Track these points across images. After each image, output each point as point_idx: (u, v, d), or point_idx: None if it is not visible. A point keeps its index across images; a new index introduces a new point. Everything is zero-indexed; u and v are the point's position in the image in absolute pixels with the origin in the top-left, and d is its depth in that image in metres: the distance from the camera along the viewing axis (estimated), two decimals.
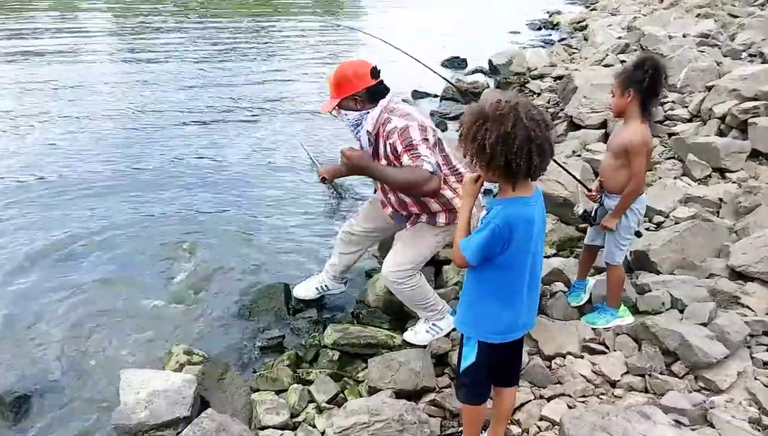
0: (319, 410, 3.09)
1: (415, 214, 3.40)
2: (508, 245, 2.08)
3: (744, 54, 8.57)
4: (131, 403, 2.98)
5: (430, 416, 2.91)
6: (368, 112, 3.18)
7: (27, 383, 3.40)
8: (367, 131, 3.22)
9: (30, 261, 4.59)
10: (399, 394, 3.04)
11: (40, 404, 3.29)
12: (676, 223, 4.58)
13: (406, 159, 3.01)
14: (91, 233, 5.02)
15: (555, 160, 4.52)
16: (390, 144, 3.10)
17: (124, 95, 9.12)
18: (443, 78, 4.69)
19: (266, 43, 14.03)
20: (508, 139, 1.93)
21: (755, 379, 2.92)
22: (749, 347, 3.15)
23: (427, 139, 3.04)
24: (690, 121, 6.77)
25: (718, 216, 4.74)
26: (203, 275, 4.47)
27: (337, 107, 3.24)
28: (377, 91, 3.18)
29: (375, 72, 3.20)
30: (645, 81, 3.06)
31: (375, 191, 3.82)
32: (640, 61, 3.12)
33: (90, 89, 9.32)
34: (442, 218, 3.34)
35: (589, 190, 3.57)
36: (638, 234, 3.56)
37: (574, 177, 3.96)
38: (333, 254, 4.00)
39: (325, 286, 4.08)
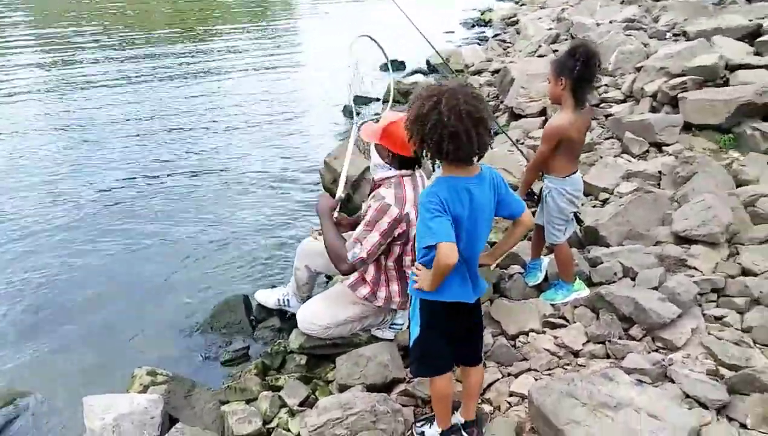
0: (292, 414, 3.07)
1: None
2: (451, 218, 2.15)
3: (668, 34, 8.90)
4: (97, 429, 2.90)
5: (402, 405, 2.93)
6: (389, 169, 3.17)
7: None
8: (373, 179, 3.30)
9: None
10: (370, 388, 3.04)
11: None
12: (620, 198, 4.74)
13: (358, 229, 3.12)
14: (44, 259, 4.92)
15: (506, 135, 4.66)
16: (369, 204, 3.16)
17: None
18: (435, 49, 4.79)
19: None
20: (423, 121, 2.09)
21: (708, 334, 3.04)
22: (700, 305, 3.29)
23: (387, 232, 3.05)
24: (624, 101, 7.00)
25: (659, 188, 4.92)
26: (158, 293, 4.40)
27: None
28: (407, 163, 3.15)
29: None
30: (576, 69, 3.11)
31: None
32: (573, 49, 3.17)
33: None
34: (363, 290, 3.34)
35: None
36: (579, 221, 3.67)
37: (521, 152, 4.06)
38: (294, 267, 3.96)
39: (287, 301, 4.05)
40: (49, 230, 5.42)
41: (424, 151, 2.17)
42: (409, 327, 2.48)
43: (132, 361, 3.65)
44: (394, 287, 3.32)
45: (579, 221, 3.69)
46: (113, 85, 10.59)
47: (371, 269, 3.32)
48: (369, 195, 3.28)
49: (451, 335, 2.43)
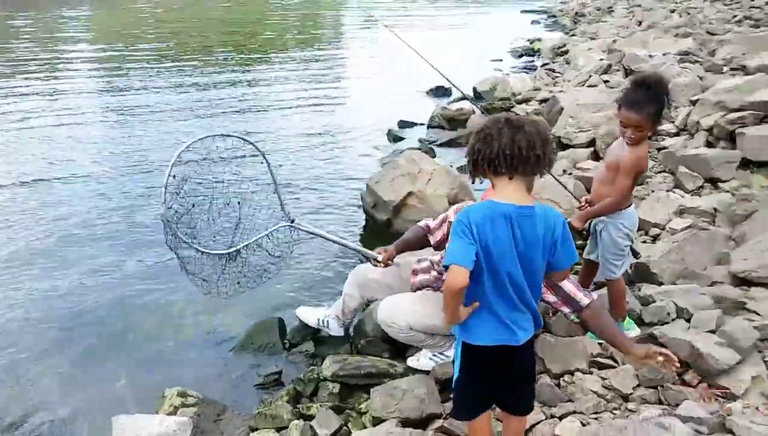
0: None
1: None
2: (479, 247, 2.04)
3: (725, 68, 8.65)
4: None
5: None
6: None
7: (11, 433, 3.26)
8: None
9: (14, 301, 4.50)
10: (405, 423, 2.92)
11: None
12: (672, 234, 4.54)
13: None
14: (76, 274, 4.91)
15: (548, 172, 4.52)
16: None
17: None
18: (460, 90, 4.71)
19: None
20: (480, 132, 2.12)
21: None
22: (760, 352, 3.06)
23: None
24: (677, 135, 6.79)
25: (713, 225, 4.70)
26: (193, 311, 4.35)
27: None
28: None
29: None
30: (665, 111, 3.03)
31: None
32: (661, 90, 3.00)
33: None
34: None
35: (580, 203, 3.54)
36: (635, 254, 3.52)
37: (564, 187, 3.93)
38: (343, 293, 3.88)
39: (327, 323, 3.96)
40: (82, 241, 5.48)
41: (477, 162, 2.12)
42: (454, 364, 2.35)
43: (163, 380, 3.61)
44: None
45: (635, 254, 3.53)
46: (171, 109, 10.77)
47: None
48: None
49: (490, 381, 2.27)
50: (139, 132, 9.15)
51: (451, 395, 2.45)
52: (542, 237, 2.11)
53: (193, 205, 3.36)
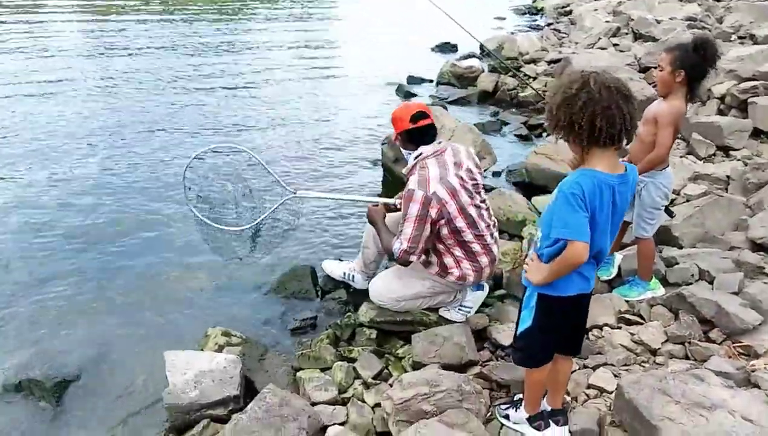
0: (366, 386, 3.11)
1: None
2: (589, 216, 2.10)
3: (733, 36, 8.73)
4: (180, 384, 2.98)
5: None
6: (410, 154, 3.35)
7: (65, 368, 3.37)
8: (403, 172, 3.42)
9: (63, 247, 4.56)
10: (445, 368, 3.06)
11: (82, 387, 3.29)
12: (687, 200, 4.69)
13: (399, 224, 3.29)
14: (120, 222, 4.98)
15: None
16: (402, 195, 3.30)
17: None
18: (486, 48, 4.76)
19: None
20: (571, 102, 2.04)
21: None
22: None
23: (420, 217, 3.14)
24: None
25: (726, 192, 4.86)
26: (228, 259, 4.46)
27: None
28: (415, 135, 3.30)
29: (415, 117, 3.26)
30: (700, 66, 3.11)
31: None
32: (700, 44, 3.12)
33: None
34: (434, 268, 3.42)
35: None
36: (670, 213, 3.65)
37: None
38: (362, 245, 4.01)
39: (352, 276, 4.11)
40: (123, 192, 5.49)
41: (573, 136, 2.11)
42: (519, 312, 2.48)
43: (201, 323, 3.72)
44: (466, 265, 3.36)
45: (670, 214, 3.67)
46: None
47: (433, 255, 3.39)
48: None
49: (564, 329, 2.44)
50: (129, 95, 8.60)
51: (518, 343, 2.53)
52: (629, 199, 2.25)
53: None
